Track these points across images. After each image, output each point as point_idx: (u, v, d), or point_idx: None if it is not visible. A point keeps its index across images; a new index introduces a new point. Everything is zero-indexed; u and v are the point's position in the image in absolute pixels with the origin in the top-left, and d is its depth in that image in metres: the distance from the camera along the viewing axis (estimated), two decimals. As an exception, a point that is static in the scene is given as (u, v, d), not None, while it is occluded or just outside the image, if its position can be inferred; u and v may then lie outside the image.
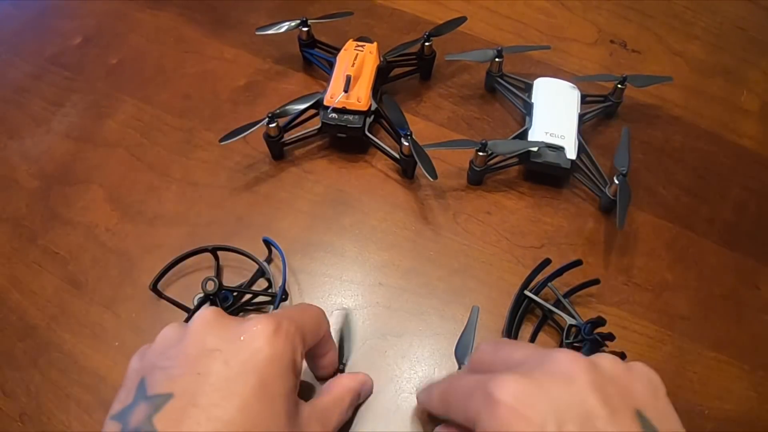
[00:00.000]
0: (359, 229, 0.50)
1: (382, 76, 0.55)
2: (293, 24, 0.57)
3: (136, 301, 0.46)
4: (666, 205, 0.52)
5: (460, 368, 0.41)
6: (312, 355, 0.40)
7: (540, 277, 0.46)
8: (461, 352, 0.41)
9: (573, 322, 0.44)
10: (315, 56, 0.59)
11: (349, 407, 0.39)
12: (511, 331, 0.45)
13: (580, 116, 0.53)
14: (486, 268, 0.48)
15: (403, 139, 0.49)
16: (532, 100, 0.54)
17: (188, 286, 0.47)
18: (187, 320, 0.44)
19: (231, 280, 0.48)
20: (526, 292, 0.45)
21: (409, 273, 0.48)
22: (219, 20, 0.64)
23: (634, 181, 0.51)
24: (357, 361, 0.44)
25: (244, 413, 0.29)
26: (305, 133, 0.53)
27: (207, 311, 0.34)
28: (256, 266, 0.47)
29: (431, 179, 0.48)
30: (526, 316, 0.46)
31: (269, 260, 0.48)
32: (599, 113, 0.56)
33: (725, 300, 0.48)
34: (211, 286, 0.43)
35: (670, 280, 0.48)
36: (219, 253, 0.47)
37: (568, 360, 0.30)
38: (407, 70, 0.58)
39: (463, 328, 0.43)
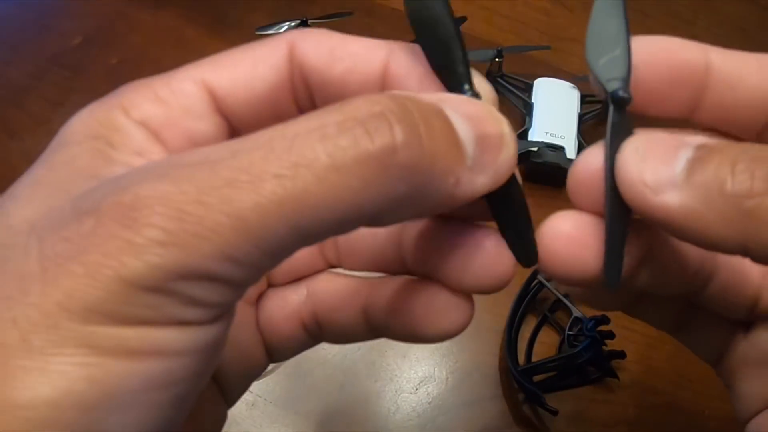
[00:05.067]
0: (359, 229, 0.50)
1: (382, 76, 0.55)
2: (293, 24, 0.57)
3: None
4: (666, 205, 0.52)
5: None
6: None
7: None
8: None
9: (578, 314, 0.44)
10: (315, 56, 0.59)
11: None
12: (514, 321, 0.45)
13: (580, 116, 0.53)
14: (486, 268, 0.48)
15: (403, 139, 0.49)
16: (532, 100, 0.54)
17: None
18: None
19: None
20: (539, 277, 0.45)
21: (409, 273, 0.48)
22: (219, 20, 0.64)
23: (634, 181, 0.51)
24: (355, 361, 0.44)
25: None
26: (305, 133, 0.53)
27: None
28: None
29: (431, 179, 0.48)
30: (526, 317, 0.46)
31: (269, 260, 0.48)
32: (599, 113, 0.56)
33: (725, 300, 0.48)
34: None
35: (671, 280, 0.48)
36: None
37: None
38: (407, 70, 0.58)
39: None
